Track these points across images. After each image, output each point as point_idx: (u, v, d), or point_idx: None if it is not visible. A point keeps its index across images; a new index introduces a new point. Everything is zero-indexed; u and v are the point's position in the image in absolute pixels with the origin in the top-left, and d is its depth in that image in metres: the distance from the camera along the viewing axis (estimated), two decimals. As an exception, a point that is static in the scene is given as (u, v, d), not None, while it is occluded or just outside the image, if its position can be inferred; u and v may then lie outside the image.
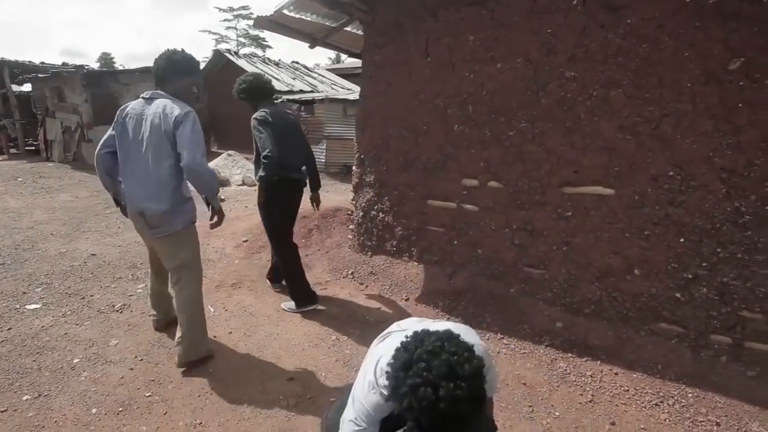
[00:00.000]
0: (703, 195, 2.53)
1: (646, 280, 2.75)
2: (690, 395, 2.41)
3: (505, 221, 3.23)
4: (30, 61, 12.12)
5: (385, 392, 1.16)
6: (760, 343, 2.47)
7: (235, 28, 41.91)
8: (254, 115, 3.06)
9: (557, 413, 2.31)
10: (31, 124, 11.95)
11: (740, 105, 2.37)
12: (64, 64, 12.21)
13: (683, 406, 2.35)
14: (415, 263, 3.75)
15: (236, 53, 14.87)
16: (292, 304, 3.31)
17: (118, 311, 3.21)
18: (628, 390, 2.47)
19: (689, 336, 2.65)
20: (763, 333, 2.45)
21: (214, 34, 43.22)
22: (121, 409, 2.24)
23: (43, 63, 12.31)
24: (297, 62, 15.65)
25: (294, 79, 13.38)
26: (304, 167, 3.34)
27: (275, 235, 3.28)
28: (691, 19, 2.44)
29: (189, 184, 2.43)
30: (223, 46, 31.46)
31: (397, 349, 1.10)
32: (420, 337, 1.09)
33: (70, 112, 10.34)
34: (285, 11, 3.71)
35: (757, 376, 2.44)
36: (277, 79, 12.32)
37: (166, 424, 2.15)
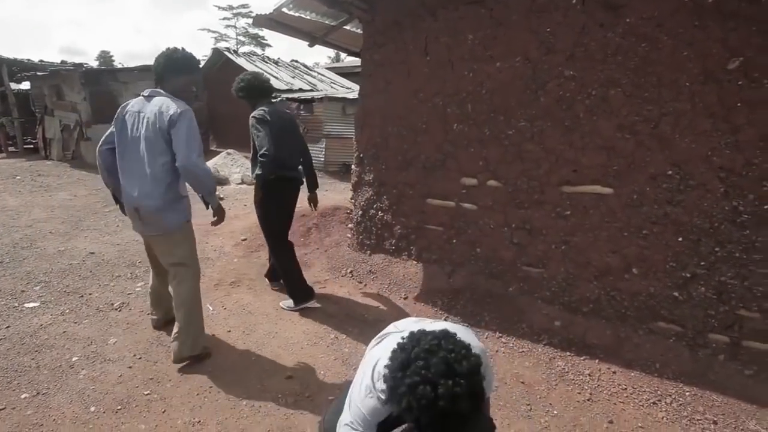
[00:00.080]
0: (701, 194, 2.53)
1: (645, 279, 2.75)
2: (688, 394, 2.42)
3: (503, 220, 3.24)
4: (29, 59, 12.05)
5: (383, 396, 1.17)
6: (757, 342, 2.47)
7: (235, 27, 41.87)
8: (252, 114, 3.08)
9: (555, 411, 2.31)
10: (30, 123, 11.91)
11: (739, 104, 2.38)
12: (62, 62, 12.18)
13: (681, 404, 2.36)
14: (414, 262, 3.75)
15: (235, 52, 14.84)
16: (290, 302, 3.31)
17: (116, 310, 3.21)
18: (626, 388, 2.48)
19: (687, 335, 2.65)
20: (760, 332, 2.46)
21: (214, 32, 43.25)
22: (119, 407, 2.24)
23: (41, 61, 12.24)
24: (296, 61, 15.64)
25: (293, 77, 13.37)
26: (301, 166, 3.35)
27: (271, 233, 3.29)
28: (690, 19, 2.44)
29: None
30: (222, 45, 31.41)
31: (394, 351, 1.10)
32: (416, 337, 1.10)
33: (69, 111, 10.32)
34: (284, 9, 3.71)
35: (754, 374, 2.45)
36: (277, 78, 12.31)
37: (165, 423, 2.16)
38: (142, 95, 2.40)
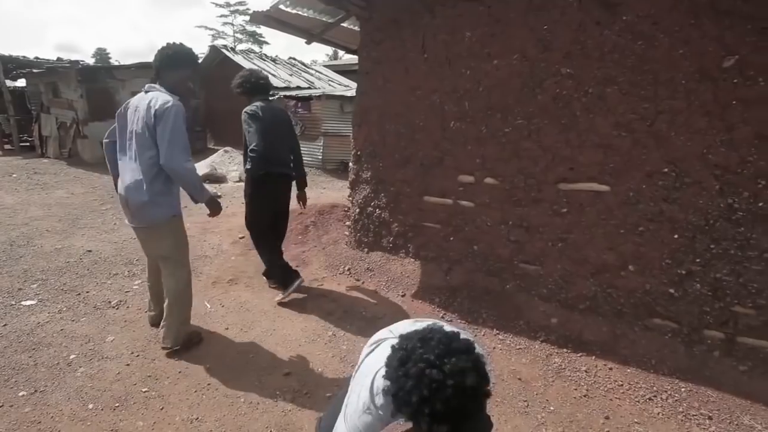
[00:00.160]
0: (697, 192, 2.55)
1: (641, 276, 2.77)
2: (683, 389, 2.44)
3: (501, 218, 3.25)
4: (24, 56, 11.96)
5: (381, 412, 1.19)
6: (752, 338, 2.50)
7: (232, 24, 41.65)
8: (245, 109, 3.11)
9: (552, 408, 2.33)
10: (26, 120, 11.83)
11: (734, 102, 2.39)
12: (59, 59, 12.07)
13: (676, 400, 2.38)
14: (412, 259, 3.76)
15: (233, 49, 14.79)
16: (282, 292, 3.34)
17: (114, 307, 3.21)
18: (622, 385, 2.50)
19: (683, 331, 2.67)
20: (755, 328, 2.48)
21: (211, 29, 43.10)
22: (117, 404, 2.24)
23: (37, 58, 12.16)
24: (294, 59, 15.59)
25: (291, 75, 13.33)
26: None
27: (252, 224, 3.37)
28: (686, 17, 2.45)
29: None
30: (219, 42, 31.31)
31: (389, 356, 1.11)
32: (406, 336, 1.13)
33: (65, 108, 10.26)
34: (281, 6, 3.70)
35: (749, 370, 2.47)
36: (274, 76, 12.27)
37: (163, 420, 2.16)
38: (143, 90, 2.45)
